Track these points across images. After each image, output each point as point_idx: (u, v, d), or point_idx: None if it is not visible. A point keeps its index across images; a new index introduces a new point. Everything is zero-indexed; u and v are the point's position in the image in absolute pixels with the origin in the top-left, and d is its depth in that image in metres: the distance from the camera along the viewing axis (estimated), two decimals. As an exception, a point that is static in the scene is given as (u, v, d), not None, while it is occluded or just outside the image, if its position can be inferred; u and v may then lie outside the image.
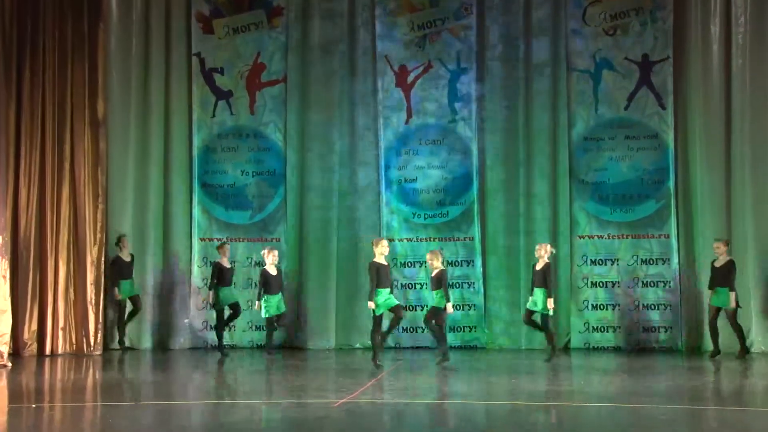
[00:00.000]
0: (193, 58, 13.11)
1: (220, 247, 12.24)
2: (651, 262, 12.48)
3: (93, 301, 11.86)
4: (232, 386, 9.12)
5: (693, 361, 11.29)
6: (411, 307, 12.68)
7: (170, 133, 12.97)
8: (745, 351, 11.29)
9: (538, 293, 11.05)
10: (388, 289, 10.47)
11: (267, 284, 11.45)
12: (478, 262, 12.73)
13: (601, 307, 12.56)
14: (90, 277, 11.87)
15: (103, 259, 12.13)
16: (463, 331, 12.69)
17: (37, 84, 11.74)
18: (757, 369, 10.57)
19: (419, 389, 9.06)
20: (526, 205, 12.63)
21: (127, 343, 12.38)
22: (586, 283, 12.62)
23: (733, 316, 11.22)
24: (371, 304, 10.27)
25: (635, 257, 12.51)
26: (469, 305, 12.68)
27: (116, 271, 12.19)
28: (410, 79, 13.03)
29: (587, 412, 7.71)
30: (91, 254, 11.94)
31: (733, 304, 11.16)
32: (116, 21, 12.68)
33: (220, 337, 11.99)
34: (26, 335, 11.55)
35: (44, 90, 11.79)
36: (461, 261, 12.77)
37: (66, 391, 9.17)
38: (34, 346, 11.60)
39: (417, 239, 12.91)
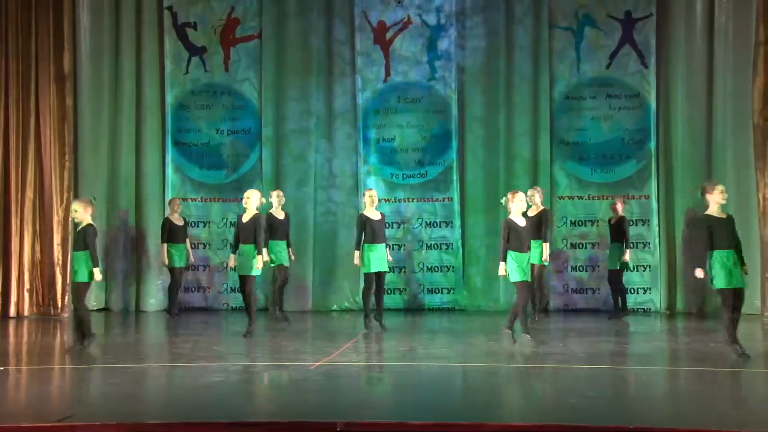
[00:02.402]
0: (165, 11, 12.73)
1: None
2: (631, 223, 12.37)
3: (60, 263, 11.59)
4: (208, 349, 8.96)
5: (672, 323, 11.26)
6: (389, 269, 12.50)
7: (142, 90, 12.64)
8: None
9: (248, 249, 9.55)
10: (383, 245, 10.11)
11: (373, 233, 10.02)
12: (457, 223, 12.58)
13: (581, 268, 12.48)
14: (57, 238, 11.58)
15: (70, 219, 11.81)
16: (442, 293, 12.58)
17: (0, 35, 11.34)
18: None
19: (397, 351, 8.95)
20: (506, 165, 12.46)
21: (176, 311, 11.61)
22: (566, 245, 12.52)
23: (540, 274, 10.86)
24: (357, 260, 10.01)
25: (615, 218, 12.38)
26: (447, 267, 12.55)
27: (164, 234, 11.52)
28: (389, 35, 12.74)
29: (565, 374, 7.64)
30: (58, 214, 11.63)
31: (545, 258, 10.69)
32: (84, -30, 12.27)
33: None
34: (-8, 297, 11.34)
35: (7, 42, 11.41)
36: (440, 222, 12.60)
37: (32, 353, 8.97)
38: (-1, 308, 11.39)
39: (395, 199, 12.72)
